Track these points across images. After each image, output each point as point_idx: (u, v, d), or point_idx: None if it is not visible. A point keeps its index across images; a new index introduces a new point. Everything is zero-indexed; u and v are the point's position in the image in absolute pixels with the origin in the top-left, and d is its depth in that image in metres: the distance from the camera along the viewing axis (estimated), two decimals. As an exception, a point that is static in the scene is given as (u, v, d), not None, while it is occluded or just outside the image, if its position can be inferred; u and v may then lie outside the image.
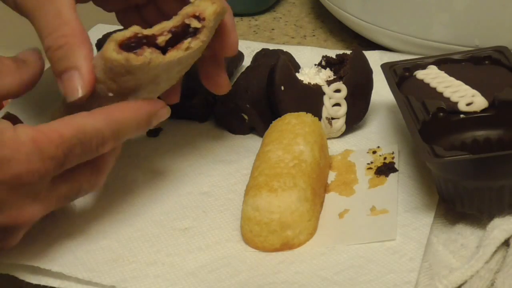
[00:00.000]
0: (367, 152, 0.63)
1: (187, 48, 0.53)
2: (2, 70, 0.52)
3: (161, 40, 0.52)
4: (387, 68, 0.64)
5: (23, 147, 0.47)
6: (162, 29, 0.52)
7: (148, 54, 0.51)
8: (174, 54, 0.52)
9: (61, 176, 0.50)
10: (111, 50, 0.50)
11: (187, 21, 0.52)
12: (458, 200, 0.54)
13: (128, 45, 0.51)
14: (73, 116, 0.51)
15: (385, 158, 0.62)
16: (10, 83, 0.52)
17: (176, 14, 0.53)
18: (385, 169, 0.60)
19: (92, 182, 0.53)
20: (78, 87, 0.52)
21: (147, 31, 0.52)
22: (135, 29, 0.51)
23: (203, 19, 0.53)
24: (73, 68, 0.52)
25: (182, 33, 0.53)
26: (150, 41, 0.52)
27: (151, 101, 0.54)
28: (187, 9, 0.53)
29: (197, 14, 0.52)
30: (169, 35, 0.52)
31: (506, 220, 0.53)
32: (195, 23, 0.53)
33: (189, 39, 0.53)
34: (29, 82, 0.53)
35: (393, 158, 0.62)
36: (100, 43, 0.74)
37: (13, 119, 0.56)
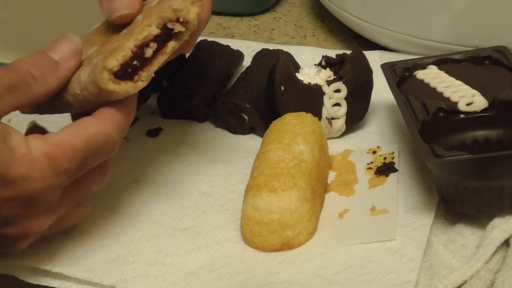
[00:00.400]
0: (367, 152, 0.63)
1: (171, 50, 0.53)
2: (27, 82, 0.50)
3: (149, 53, 0.51)
4: (387, 68, 0.64)
5: (38, 164, 0.47)
6: (146, 38, 0.51)
7: (144, 77, 0.51)
8: (160, 60, 0.52)
9: (71, 184, 0.50)
10: (106, 80, 0.50)
11: (170, 26, 0.52)
12: (458, 200, 0.54)
13: (121, 70, 0.50)
14: (82, 123, 0.50)
15: (385, 158, 0.62)
16: (31, 96, 0.50)
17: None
18: (385, 169, 0.60)
19: (100, 182, 0.53)
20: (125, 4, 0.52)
21: (132, 45, 0.51)
22: (125, 53, 0.50)
23: (186, 22, 0.52)
24: None
25: (164, 35, 0.52)
26: (138, 57, 0.51)
27: (129, 102, 0.53)
28: (167, 13, 0.52)
29: (180, 19, 0.52)
30: (155, 46, 0.51)
31: (506, 220, 0.53)
32: (179, 27, 0.52)
33: (172, 42, 0.52)
34: (55, 88, 0.51)
35: (393, 158, 0.62)
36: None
37: (39, 131, 0.54)
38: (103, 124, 0.50)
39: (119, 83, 0.50)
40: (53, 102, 0.53)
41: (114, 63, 0.50)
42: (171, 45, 0.52)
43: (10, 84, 0.49)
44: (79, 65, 0.52)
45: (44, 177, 0.47)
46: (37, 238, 0.51)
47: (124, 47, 0.51)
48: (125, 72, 0.51)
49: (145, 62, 0.51)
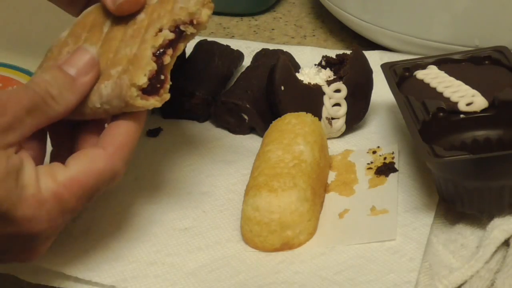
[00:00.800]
0: (367, 152, 0.63)
1: (180, 52, 0.52)
2: (47, 103, 0.49)
3: (167, 61, 0.51)
4: (387, 68, 0.64)
5: (45, 205, 0.47)
6: (162, 44, 0.51)
7: (166, 89, 0.51)
8: (173, 62, 0.52)
9: None
10: (134, 97, 0.49)
11: (182, 28, 0.51)
12: (458, 200, 0.54)
13: (149, 85, 0.50)
14: (92, 158, 0.49)
15: (385, 158, 0.62)
16: (51, 116, 0.49)
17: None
18: (385, 169, 0.60)
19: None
20: None
21: (151, 53, 0.50)
22: (152, 67, 0.50)
23: (198, 24, 0.52)
24: None
25: (176, 38, 0.52)
26: (160, 67, 0.51)
27: (141, 116, 0.52)
28: (181, 16, 0.51)
29: (194, 22, 0.52)
30: (171, 51, 0.51)
31: (506, 220, 0.53)
32: (191, 30, 0.52)
33: (182, 44, 0.52)
34: (74, 105, 0.50)
35: (393, 158, 0.62)
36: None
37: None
38: (112, 160, 0.49)
39: (147, 99, 0.50)
40: None
41: (144, 80, 0.50)
42: (181, 47, 0.52)
43: (30, 106, 0.48)
44: (97, 78, 0.51)
45: (50, 219, 0.47)
46: None
47: (144, 57, 0.50)
48: (152, 87, 0.50)
49: (163, 70, 0.51)
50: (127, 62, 0.51)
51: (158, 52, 0.51)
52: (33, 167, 0.48)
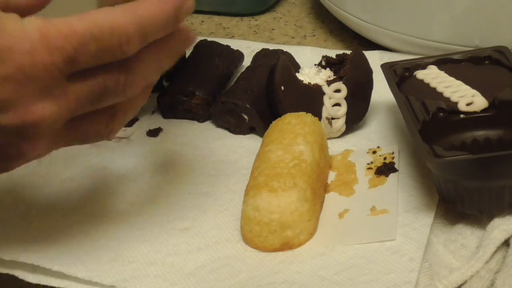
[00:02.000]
0: (367, 152, 0.63)
1: None
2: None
3: None
4: (387, 68, 0.64)
5: (28, 36, 0.43)
6: None
7: None
8: None
9: (79, 74, 0.45)
10: None
11: None
12: (458, 200, 0.54)
13: None
14: (90, 11, 0.45)
15: (385, 158, 0.62)
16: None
17: None
18: (385, 169, 0.60)
19: (121, 83, 0.47)
20: None
21: None
22: None
23: None
24: None
25: None
26: None
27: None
28: None
29: None
30: None
31: (506, 220, 0.53)
32: None
33: None
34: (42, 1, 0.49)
35: (393, 158, 0.62)
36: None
37: None
38: (114, 14, 0.45)
39: None
40: None
41: None
42: None
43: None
44: None
45: (33, 51, 0.43)
46: (51, 145, 0.47)
47: None
48: None
49: None
50: None
51: None
52: (15, 13, 0.45)
